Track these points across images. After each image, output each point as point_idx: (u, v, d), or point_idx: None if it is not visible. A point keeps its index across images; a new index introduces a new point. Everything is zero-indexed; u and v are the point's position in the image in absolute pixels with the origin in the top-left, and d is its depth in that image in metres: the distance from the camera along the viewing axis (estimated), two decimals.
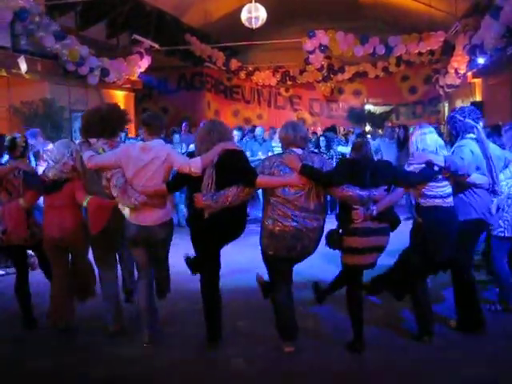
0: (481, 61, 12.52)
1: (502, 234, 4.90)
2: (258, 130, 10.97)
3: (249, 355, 4.28)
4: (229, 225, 4.22)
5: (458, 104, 16.15)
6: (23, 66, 10.49)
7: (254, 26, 13.13)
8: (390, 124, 13.47)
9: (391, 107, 19.54)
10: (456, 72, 14.66)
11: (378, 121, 17.60)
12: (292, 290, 4.34)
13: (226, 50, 18.09)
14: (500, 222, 4.88)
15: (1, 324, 5.12)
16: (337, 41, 15.45)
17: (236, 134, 9.80)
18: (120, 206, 4.38)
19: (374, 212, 4.06)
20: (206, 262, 4.39)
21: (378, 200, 4.10)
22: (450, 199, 4.34)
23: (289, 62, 18.51)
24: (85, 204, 4.52)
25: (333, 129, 12.87)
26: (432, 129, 4.49)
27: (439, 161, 4.23)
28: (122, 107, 5.04)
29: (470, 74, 14.48)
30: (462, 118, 4.62)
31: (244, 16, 13.11)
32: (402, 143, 9.61)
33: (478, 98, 14.67)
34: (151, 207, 4.27)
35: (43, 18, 10.64)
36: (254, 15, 13.04)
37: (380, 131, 15.00)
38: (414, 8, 15.33)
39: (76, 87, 12.75)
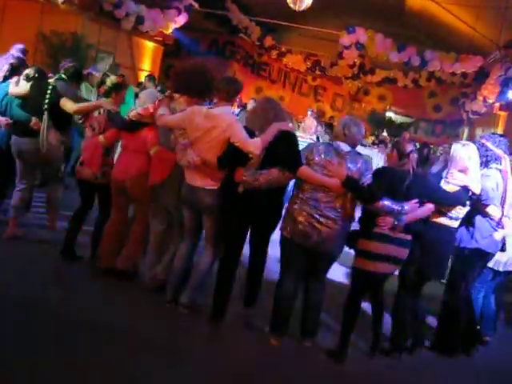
0: (511, 95, 12.44)
1: (496, 268, 4.88)
2: None
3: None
4: (259, 207, 4.15)
5: (478, 132, 16.05)
6: None
7: (297, 9, 12.97)
8: (407, 135, 13.22)
9: (412, 120, 19.40)
10: (484, 100, 14.56)
11: (396, 130, 17.49)
12: (297, 287, 4.29)
13: (263, 25, 17.89)
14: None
15: None
16: (375, 42, 15.31)
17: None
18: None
19: (403, 224, 4.00)
20: (229, 239, 4.37)
21: (408, 213, 4.02)
22: (458, 222, 4.35)
23: (322, 51, 18.34)
24: (151, 152, 4.51)
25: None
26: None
27: (476, 188, 4.22)
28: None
29: (497, 105, 14.37)
30: (493, 148, 4.59)
31: None
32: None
33: (500, 130, 14.57)
34: (204, 173, 4.20)
35: None
36: None
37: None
38: (458, 28, 15.14)
39: (108, 28, 12.65)
